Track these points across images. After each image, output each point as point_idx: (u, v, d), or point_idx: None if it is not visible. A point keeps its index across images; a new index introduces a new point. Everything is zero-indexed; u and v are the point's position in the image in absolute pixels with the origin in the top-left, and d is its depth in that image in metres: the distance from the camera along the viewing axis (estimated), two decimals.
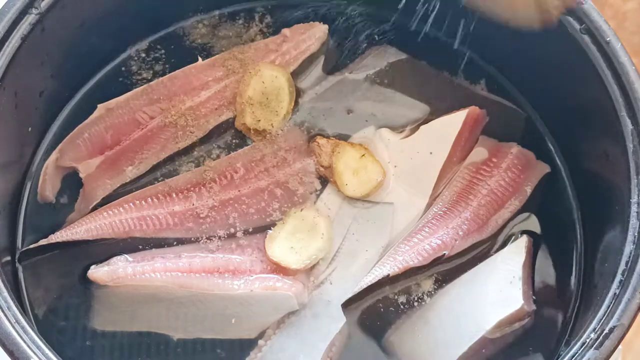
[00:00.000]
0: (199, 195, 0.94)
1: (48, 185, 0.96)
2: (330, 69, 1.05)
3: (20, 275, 0.91)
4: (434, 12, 1.05)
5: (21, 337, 0.73)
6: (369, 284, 0.89)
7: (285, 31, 1.05)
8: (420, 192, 0.96)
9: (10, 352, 0.73)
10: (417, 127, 1.00)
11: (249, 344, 0.88)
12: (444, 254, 0.92)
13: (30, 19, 0.87)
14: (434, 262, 0.92)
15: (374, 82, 1.04)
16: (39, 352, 0.73)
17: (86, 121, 0.97)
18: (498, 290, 0.89)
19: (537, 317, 0.90)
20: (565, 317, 0.92)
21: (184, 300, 0.89)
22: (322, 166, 0.97)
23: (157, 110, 0.99)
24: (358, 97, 1.03)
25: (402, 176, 0.97)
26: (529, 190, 0.97)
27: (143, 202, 0.93)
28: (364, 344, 0.90)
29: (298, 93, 1.02)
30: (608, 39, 0.87)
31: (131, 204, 0.93)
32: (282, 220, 0.93)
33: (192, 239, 0.93)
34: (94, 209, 0.94)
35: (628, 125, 0.84)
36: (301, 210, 0.93)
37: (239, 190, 0.95)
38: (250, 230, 0.94)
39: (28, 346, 0.73)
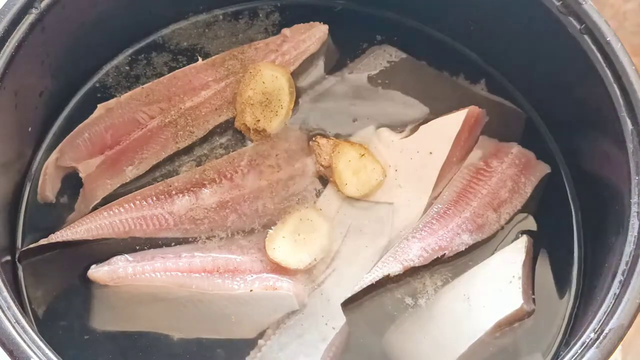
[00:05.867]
0: (199, 195, 0.94)
1: (48, 185, 0.96)
2: (330, 69, 1.05)
3: (20, 275, 0.91)
4: (435, 12, 1.06)
5: (21, 337, 0.73)
6: (369, 283, 0.89)
7: (285, 31, 1.05)
8: (420, 192, 0.96)
9: (10, 352, 0.72)
10: (417, 127, 1.00)
11: (249, 344, 0.88)
12: (444, 254, 0.92)
13: (30, 19, 0.87)
14: (434, 262, 0.92)
15: (374, 82, 1.04)
16: (39, 352, 0.73)
17: (86, 121, 0.97)
18: (498, 290, 0.89)
19: (537, 317, 0.90)
20: (565, 317, 0.92)
21: (184, 300, 0.89)
22: (322, 166, 0.96)
23: (157, 110, 0.99)
24: (358, 97, 1.03)
25: (402, 176, 0.97)
26: (529, 190, 0.97)
27: (143, 202, 0.93)
28: (364, 344, 0.90)
29: (298, 93, 1.02)
30: (608, 39, 0.86)
31: (131, 204, 0.93)
32: (282, 220, 0.93)
33: (192, 239, 0.93)
34: (94, 209, 0.94)
35: (628, 125, 0.84)
36: (301, 210, 0.93)
37: (239, 190, 0.95)
38: (251, 230, 0.94)
39: (28, 346, 0.73)
